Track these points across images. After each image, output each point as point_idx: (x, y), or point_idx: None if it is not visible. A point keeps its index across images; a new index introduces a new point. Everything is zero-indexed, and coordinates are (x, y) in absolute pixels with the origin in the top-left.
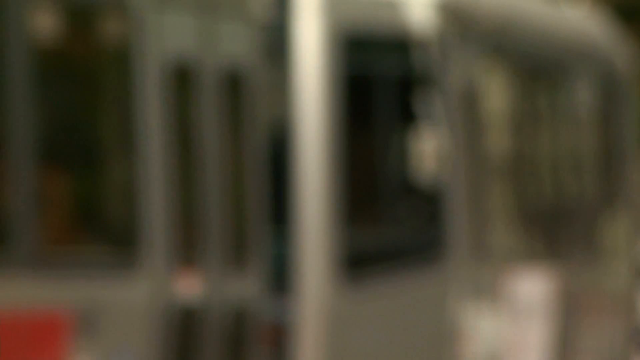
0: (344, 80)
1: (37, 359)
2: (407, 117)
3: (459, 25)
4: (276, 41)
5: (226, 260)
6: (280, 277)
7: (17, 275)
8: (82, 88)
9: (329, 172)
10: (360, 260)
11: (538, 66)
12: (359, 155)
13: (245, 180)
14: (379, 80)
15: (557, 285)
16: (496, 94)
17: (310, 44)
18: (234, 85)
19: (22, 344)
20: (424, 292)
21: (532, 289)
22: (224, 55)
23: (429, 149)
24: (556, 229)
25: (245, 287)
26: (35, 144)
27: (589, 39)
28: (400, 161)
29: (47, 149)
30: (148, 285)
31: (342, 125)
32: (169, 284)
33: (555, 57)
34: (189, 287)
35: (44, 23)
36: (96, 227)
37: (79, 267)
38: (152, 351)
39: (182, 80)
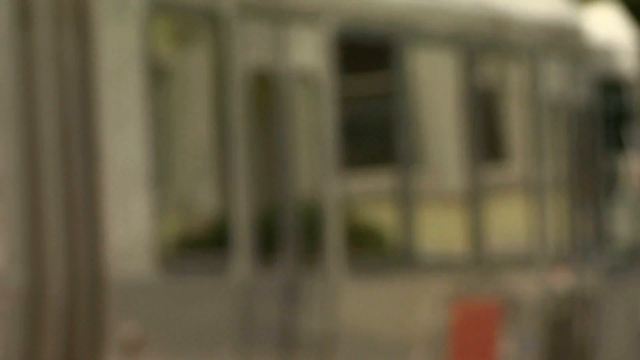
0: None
1: (483, 335)
2: (617, 144)
3: None
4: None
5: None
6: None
7: (460, 270)
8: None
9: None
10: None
11: None
12: (585, 173)
13: (576, 200)
14: (602, 114)
15: None
16: None
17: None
18: (558, 116)
19: (476, 323)
20: (627, 290)
21: None
22: (552, 91)
23: (635, 171)
24: None
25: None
26: None
27: None
28: (612, 179)
29: None
30: (539, 279)
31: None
32: (548, 279)
33: None
34: (561, 281)
35: (443, 64)
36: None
37: (505, 265)
38: (538, 330)
39: (555, 114)
